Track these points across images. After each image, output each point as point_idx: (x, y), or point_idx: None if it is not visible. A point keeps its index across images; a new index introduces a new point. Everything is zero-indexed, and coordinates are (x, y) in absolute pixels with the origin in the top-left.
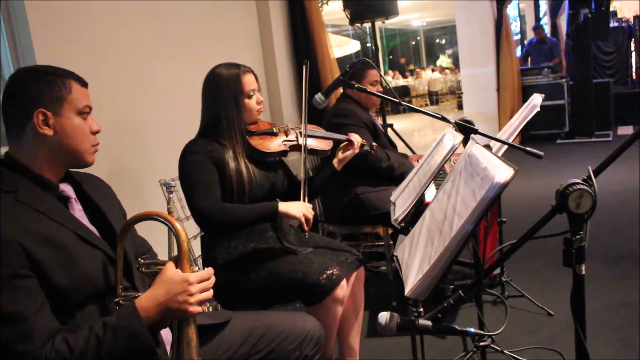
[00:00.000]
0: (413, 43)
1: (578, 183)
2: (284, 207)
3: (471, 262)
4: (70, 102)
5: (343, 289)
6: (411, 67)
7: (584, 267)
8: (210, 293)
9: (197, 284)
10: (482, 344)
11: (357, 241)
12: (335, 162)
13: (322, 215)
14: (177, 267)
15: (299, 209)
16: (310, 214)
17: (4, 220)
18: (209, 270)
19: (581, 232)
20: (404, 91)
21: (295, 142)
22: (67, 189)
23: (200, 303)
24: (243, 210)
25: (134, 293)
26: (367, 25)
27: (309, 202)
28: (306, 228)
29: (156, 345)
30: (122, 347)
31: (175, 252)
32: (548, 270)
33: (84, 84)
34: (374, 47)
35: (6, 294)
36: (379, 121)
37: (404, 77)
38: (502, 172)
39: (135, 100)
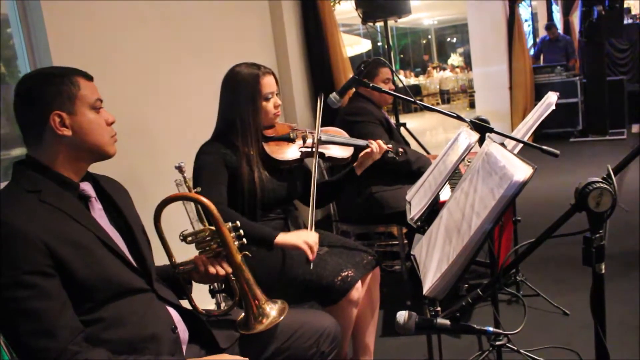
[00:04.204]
0: (424, 42)
1: (598, 181)
2: (282, 238)
3: (486, 261)
4: (81, 98)
5: (358, 291)
6: (436, 63)
7: (603, 266)
8: None
9: None
10: (498, 343)
11: (371, 240)
12: (356, 167)
13: (336, 214)
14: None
15: (299, 237)
16: (314, 242)
17: (28, 219)
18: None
19: (601, 231)
20: (416, 90)
21: (310, 150)
22: (87, 187)
23: None
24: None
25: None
26: (379, 24)
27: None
28: (311, 257)
29: None
30: None
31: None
32: (563, 269)
33: (90, 78)
34: (385, 46)
35: (30, 290)
36: (392, 119)
37: (427, 73)
38: (521, 171)
39: (148, 100)
